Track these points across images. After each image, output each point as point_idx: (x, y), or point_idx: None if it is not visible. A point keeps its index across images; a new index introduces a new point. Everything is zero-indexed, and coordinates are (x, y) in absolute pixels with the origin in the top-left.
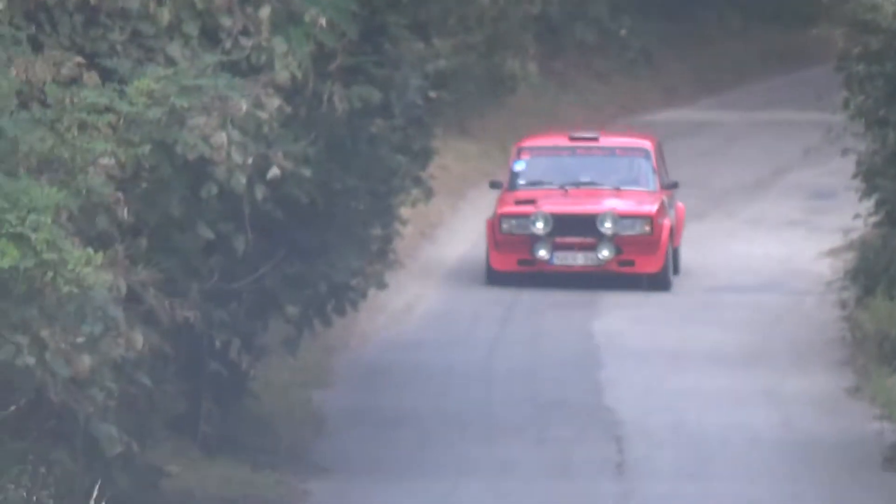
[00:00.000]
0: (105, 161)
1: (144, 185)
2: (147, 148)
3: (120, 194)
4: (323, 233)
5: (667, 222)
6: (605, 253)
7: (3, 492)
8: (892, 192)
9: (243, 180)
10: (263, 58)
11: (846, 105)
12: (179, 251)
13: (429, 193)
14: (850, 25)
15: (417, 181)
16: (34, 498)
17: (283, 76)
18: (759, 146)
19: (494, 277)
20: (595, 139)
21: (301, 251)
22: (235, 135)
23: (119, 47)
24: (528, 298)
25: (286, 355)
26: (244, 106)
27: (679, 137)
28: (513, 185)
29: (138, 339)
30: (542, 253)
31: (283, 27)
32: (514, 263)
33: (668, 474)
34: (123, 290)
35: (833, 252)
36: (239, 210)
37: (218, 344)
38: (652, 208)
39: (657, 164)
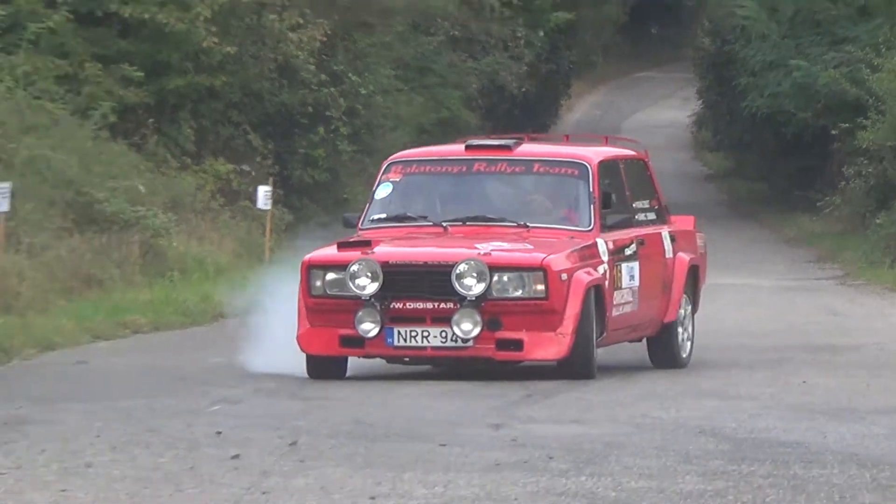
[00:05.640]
0: None
1: None
2: None
3: None
4: None
5: (585, 277)
6: (465, 327)
7: None
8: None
9: None
10: None
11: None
12: None
13: None
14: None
15: None
16: None
17: None
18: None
19: (310, 365)
20: (506, 148)
21: None
22: None
23: None
24: None
25: None
26: None
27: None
28: (367, 220)
29: None
30: (367, 327)
31: None
32: (335, 343)
33: None
34: None
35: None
36: None
37: None
38: (550, 255)
39: (597, 188)
